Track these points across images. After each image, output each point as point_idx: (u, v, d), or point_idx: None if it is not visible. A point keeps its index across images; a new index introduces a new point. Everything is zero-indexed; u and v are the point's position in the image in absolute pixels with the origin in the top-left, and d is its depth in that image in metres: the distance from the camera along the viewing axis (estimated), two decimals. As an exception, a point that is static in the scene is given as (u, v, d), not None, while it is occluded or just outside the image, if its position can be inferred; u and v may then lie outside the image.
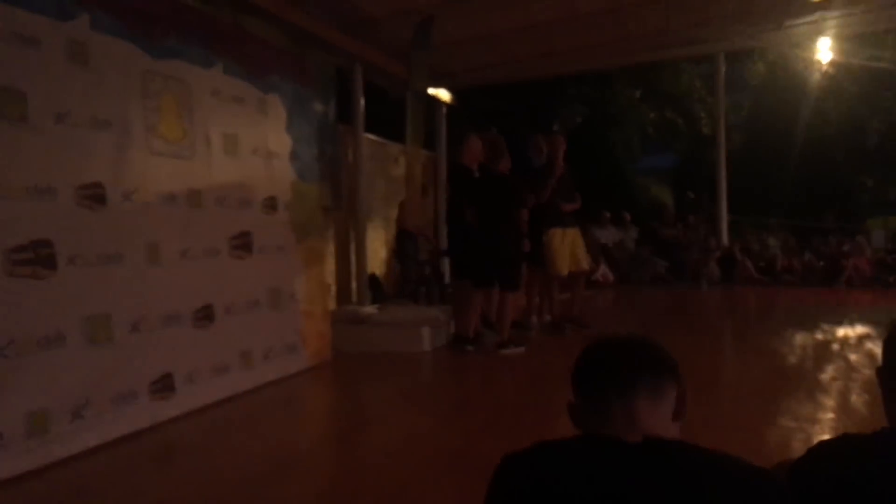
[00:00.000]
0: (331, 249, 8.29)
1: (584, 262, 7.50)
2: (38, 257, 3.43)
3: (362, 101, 9.08)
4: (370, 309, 7.30)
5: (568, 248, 7.19)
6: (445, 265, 9.51)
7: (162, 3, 4.48)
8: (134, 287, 4.01)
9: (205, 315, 4.60)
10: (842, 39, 13.18)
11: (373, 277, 9.25)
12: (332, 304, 7.66)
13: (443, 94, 11.63)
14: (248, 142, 5.17)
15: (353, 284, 9.08)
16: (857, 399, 4.36)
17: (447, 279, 9.27)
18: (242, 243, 5.04)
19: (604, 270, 12.45)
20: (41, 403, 3.42)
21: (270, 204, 5.43)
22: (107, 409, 3.80)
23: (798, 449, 2.91)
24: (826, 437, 1.46)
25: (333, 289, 8.42)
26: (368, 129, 9.65)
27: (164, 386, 4.20)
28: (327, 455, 3.96)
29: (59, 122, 3.59)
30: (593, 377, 1.33)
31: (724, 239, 12.81)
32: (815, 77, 14.71)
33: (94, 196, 3.78)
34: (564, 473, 1.17)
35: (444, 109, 12.01)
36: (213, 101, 4.80)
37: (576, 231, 7.37)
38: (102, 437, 3.74)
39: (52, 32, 3.60)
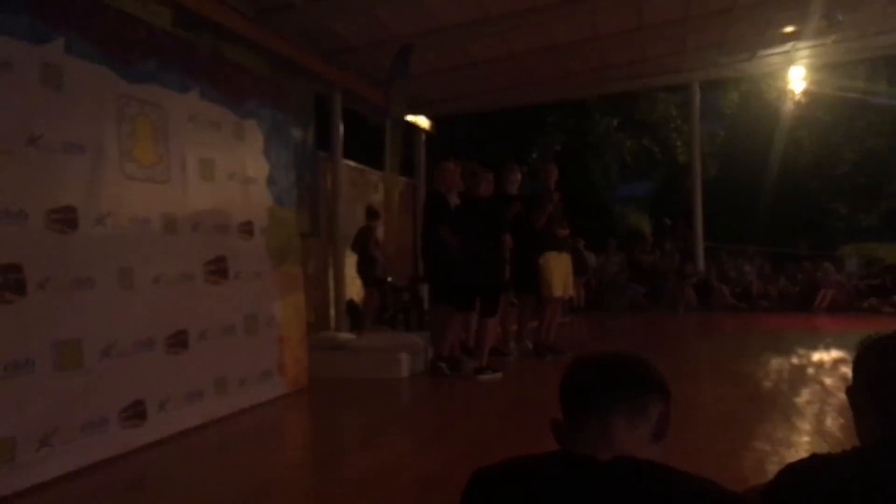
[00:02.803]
0: (309, 275, 8.25)
1: (570, 290, 7.62)
2: (8, 282, 3.37)
3: (341, 128, 9.12)
4: (348, 335, 7.25)
5: (561, 272, 7.26)
6: (424, 291, 9.51)
7: (138, 28, 4.46)
8: (105, 312, 3.94)
9: (178, 341, 4.53)
10: (814, 69, 13.49)
11: (351, 304, 9.21)
12: (309, 331, 7.61)
13: (422, 122, 11.71)
14: (224, 167, 5.15)
15: (332, 311, 9.03)
16: (831, 423, 4.38)
17: (426, 305, 9.26)
18: (218, 269, 4.99)
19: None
20: (8, 430, 3.34)
21: (247, 229, 5.39)
22: (76, 436, 3.71)
23: (772, 472, 2.91)
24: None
25: (311, 315, 8.36)
26: (348, 156, 9.67)
27: (135, 413, 4.12)
28: (303, 482, 3.90)
29: (32, 145, 3.55)
30: (573, 394, 1.32)
31: (701, 265, 12.93)
32: (788, 106, 14.99)
33: (66, 220, 3.74)
34: (531, 489, 1.16)
35: (423, 137, 12.09)
36: (189, 125, 4.78)
37: (568, 257, 7.46)
38: (71, 465, 3.64)
39: (25, 56, 3.57)
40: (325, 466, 4.11)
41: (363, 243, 9.41)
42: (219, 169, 5.08)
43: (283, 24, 7.14)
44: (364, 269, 9.42)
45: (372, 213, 9.68)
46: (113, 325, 4.00)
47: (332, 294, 9.06)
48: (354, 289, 9.76)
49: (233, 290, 5.14)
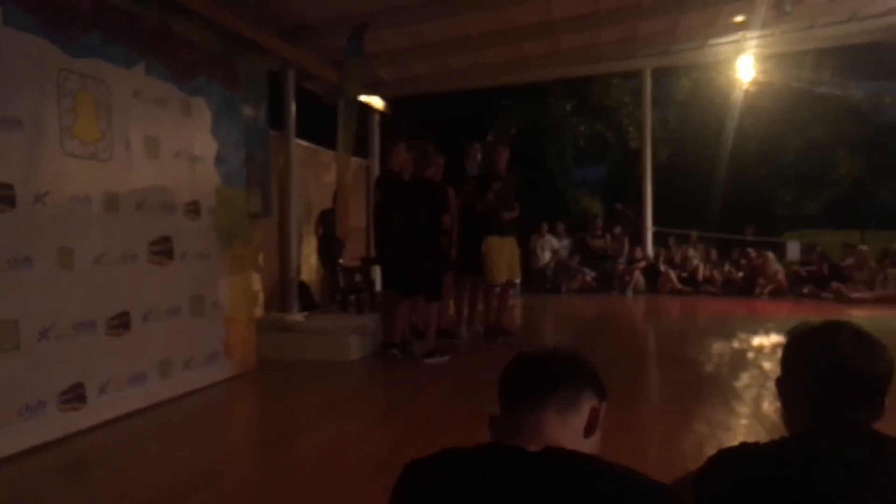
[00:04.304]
0: (259, 256, 8.15)
1: (517, 273, 7.57)
2: (-61, 261, 3.26)
3: (294, 107, 8.98)
4: (297, 316, 7.20)
5: (505, 256, 7.25)
6: (376, 273, 9.49)
7: (81, 1, 4.32)
8: (44, 293, 3.85)
9: (120, 323, 4.44)
10: (762, 59, 13.77)
11: (302, 285, 9.13)
12: (260, 312, 7.53)
13: (376, 102, 11.61)
14: (170, 144, 5.04)
15: (282, 292, 8.94)
16: (769, 406, 4.51)
17: (378, 287, 9.24)
18: (162, 249, 4.90)
19: None
20: (-61, 414, 3.25)
21: (193, 209, 5.30)
22: (13, 419, 3.63)
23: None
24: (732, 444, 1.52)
25: (261, 296, 8.27)
26: (301, 136, 9.54)
27: (74, 396, 4.04)
28: (247, 465, 3.88)
29: (-34, 120, 3.43)
30: (508, 389, 1.35)
31: (649, 250, 13.15)
32: (737, 94, 15.26)
33: (3, 198, 3.62)
34: (462, 481, 1.19)
35: (377, 117, 12.00)
36: (133, 101, 4.66)
37: (513, 240, 7.44)
38: (8, 448, 3.57)
39: (-41, 27, 3.44)
40: (271, 449, 4.10)
41: (331, 225, 9.31)
42: (164, 147, 4.98)
43: (235, -2, 6.98)
44: (331, 251, 9.33)
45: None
46: (51, 306, 3.91)
47: (283, 274, 8.96)
48: (306, 269, 9.68)
49: (178, 270, 5.06)
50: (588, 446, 1.30)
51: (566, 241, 13.75)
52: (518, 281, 8.95)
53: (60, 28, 4.05)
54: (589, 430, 1.31)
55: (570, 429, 1.28)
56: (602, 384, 1.35)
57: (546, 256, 13.26)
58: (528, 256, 12.70)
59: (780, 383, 1.55)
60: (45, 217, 3.90)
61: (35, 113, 3.86)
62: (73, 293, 4.07)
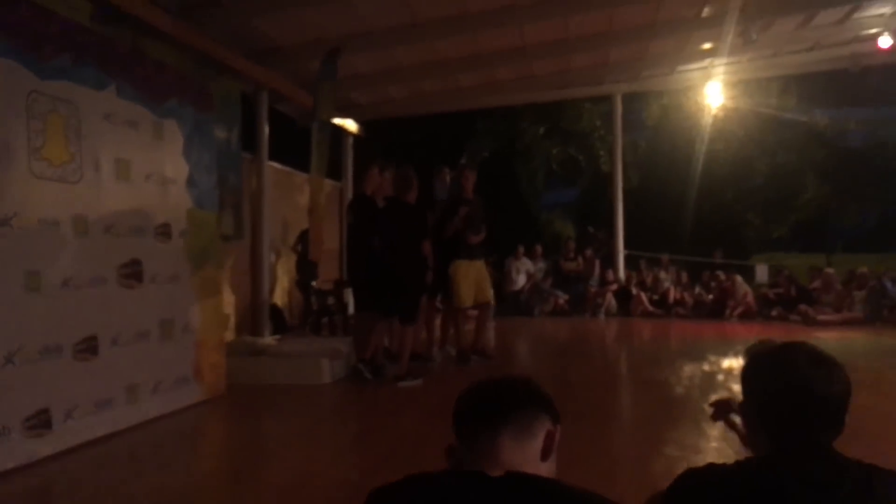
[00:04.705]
0: (231, 278, 8.09)
1: (489, 294, 7.57)
2: None
3: (266, 129, 8.99)
4: (269, 340, 7.14)
5: (473, 280, 7.26)
6: (349, 296, 9.46)
7: (52, 22, 4.30)
8: (9, 316, 3.78)
9: (87, 347, 4.37)
10: (730, 85, 14.06)
11: (274, 308, 9.07)
12: (230, 335, 7.46)
13: (349, 125, 11.65)
14: (141, 167, 5.01)
15: (255, 315, 8.87)
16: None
17: (351, 310, 9.21)
18: (132, 272, 4.85)
19: None
20: None
21: (164, 231, 5.26)
22: (-25, 447, 3.56)
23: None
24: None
25: (233, 319, 8.21)
26: (275, 158, 9.53)
27: (39, 422, 3.96)
28: (217, 492, 3.83)
29: (-69, 142, 3.38)
30: (464, 418, 1.37)
31: (621, 272, 13.26)
32: (706, 120, 15.54)
33: (-32, 220, 3.58)
34: None
35: (351, 140, 12.03)
36: (104, 124, 4.63)
37: (481, 263, 7.46)
38: (-31, 477, 3.49)
39: (-74, 48, 3.41)
40: (241, 475, 4.05)
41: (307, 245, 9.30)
42: (135, 169, 4.94)
43: (208, 21, 6.99)
44: (308, 270, 9.30)
45: None
46: (17, 330, 3.84)
47: (256, 297, 8.90)
48: (279, 292, 9.62)
49: (148, 294, 5.01)
50: (545, 469, 1.32)
51: (541, 264, 13.81)
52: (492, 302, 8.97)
53: (30, 50, 4.02)
54: (545, 454, 1.33)
55: (527, 453, 1.30)
56: (555, 409, 1.38)
57: (521, 279, 13.28)
58: (502, 278, 12.75)
59: (743, 408, 1.58)
60: (12, 239, 3.84)
61: (3, 134, 3.82)
62: (40, 317, 4.00)
